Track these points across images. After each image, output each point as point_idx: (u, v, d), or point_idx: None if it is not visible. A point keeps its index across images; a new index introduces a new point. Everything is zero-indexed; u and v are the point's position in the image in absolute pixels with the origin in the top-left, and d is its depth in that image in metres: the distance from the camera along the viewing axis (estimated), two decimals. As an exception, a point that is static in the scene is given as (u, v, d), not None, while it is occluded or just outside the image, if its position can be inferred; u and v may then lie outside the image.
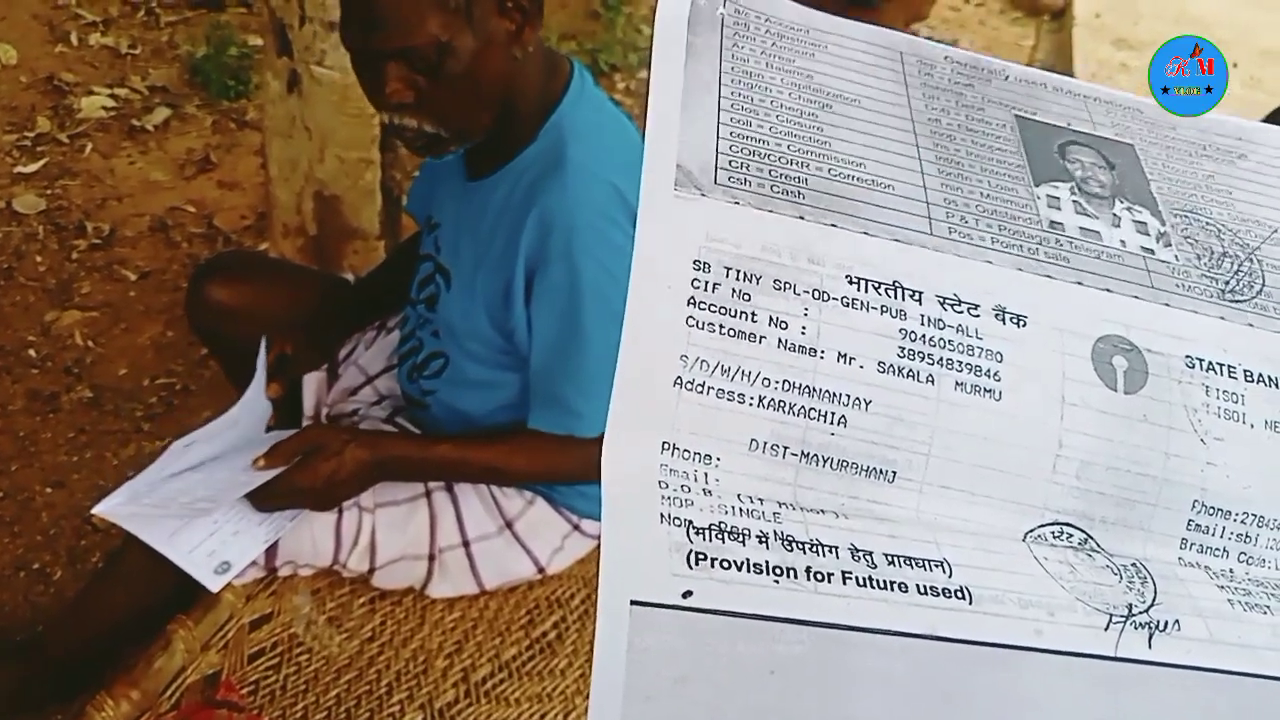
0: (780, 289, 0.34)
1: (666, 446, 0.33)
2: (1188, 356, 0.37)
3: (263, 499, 1.16)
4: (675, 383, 0.33)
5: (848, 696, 0.29)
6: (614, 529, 0.31)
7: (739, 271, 0.34)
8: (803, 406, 0.33)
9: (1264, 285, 0.40)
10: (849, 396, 0.34)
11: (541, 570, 1.32)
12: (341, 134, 1.95)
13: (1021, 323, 0.36)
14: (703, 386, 0.33)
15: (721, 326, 0.33)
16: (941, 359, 0.35)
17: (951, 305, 0.36)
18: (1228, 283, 0.40)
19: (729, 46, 0.41)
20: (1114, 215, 0.40)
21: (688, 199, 0.35)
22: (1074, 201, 0.40)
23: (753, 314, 0.34)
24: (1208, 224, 0.41)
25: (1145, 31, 3.96)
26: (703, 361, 0.33)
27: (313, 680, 1.16)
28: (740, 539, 0.31)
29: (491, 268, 1.18)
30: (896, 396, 0.34)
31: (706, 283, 0.34)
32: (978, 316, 0.36)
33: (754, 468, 0.33)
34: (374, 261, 2.08)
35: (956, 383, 0.35)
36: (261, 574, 1.23)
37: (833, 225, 0.36)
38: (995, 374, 0.35)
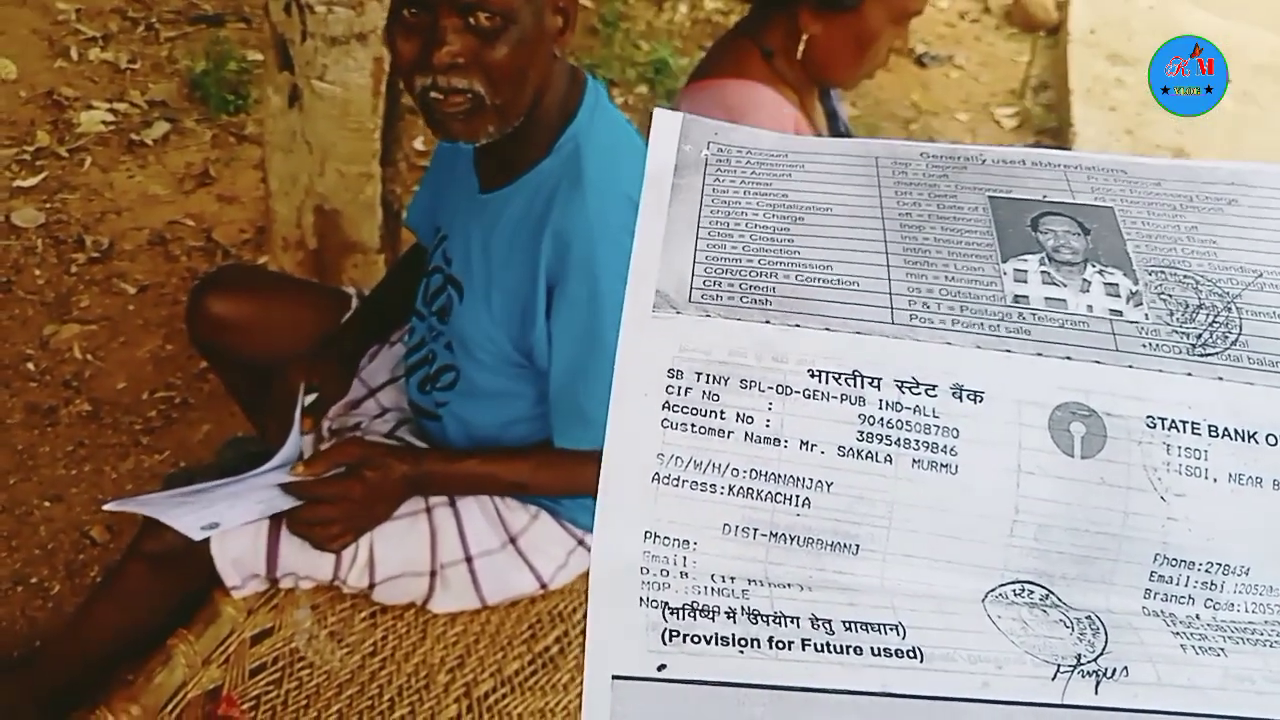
0: (746, 387, 0.37)
1: (648, 535, 0.36)
2: (1149, 417, 0.38)
3: (302, 512, 1.16)
4: (654, 479, 0.36)
5: None
6: (598, 612, 0.35)
7: (709, 375, 0.38)
8: (769, 492, 0.36)
9: (1240, 335, 0.40)
10: (811, 480, 0.36)
11: (544, 585, 1.31)
12: (342, 148, 1.95)
13: (978, 398, 0.38)
14: (678, 480, 0.36)
15: (693, 425, 0.37)
16: (899, 439, 0.37)
17: (909, 388, 0.38)
18: (1199, 336, 0.40)
19: (710, 183, 0.45)
20: (1084, 280, 0.41)
21: (664, 318, 0.39)
22: (1042, 272, 0.41)
23: (721, 412, 0.37)
24: (1185, 277, 0.42)
25: (1139, 47, 3.99)
26: (677, 458, 0.36)
27: (314, 695, 1.15)
28: (710, 616, 0.35)
29: (508, 282, 1.18)
30: (856, 477, 0.36)
31: (680, 388, 0.37)
32: (935, 396, 0.38)
33: (727, 549, 0.36)
34: (374, 275, 2.08)
35: (914, 460, 0.37)
36: (263, 587, 1.23)
37: (796, 325, 0.39)
38: (952, 449, 0.37)
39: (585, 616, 1.13)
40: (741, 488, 0.36)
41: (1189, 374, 0.39)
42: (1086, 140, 3.35)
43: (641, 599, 0.35)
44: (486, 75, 1.06)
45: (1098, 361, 0.39)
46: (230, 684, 1.14)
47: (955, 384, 0.38)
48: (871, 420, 0.37)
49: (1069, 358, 0.39)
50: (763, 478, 0.36)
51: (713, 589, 0.36)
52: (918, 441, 0.37)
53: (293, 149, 1.97)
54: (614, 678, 0.33)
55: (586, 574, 1.34)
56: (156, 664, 1.13)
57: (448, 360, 1.28)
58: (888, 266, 0.41)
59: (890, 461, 0.37)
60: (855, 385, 0.38)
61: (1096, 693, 0.34)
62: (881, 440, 0.37)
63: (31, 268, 2.45)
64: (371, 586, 1.25)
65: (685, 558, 0.36)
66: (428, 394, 1.32)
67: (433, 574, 1.25)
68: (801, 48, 1.33)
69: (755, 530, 0.36)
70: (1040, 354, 0.39)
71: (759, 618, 0.35)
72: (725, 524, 0.36)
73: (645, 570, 0.36)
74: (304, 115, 1.92)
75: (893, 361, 0.38)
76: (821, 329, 0.39)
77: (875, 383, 0.38)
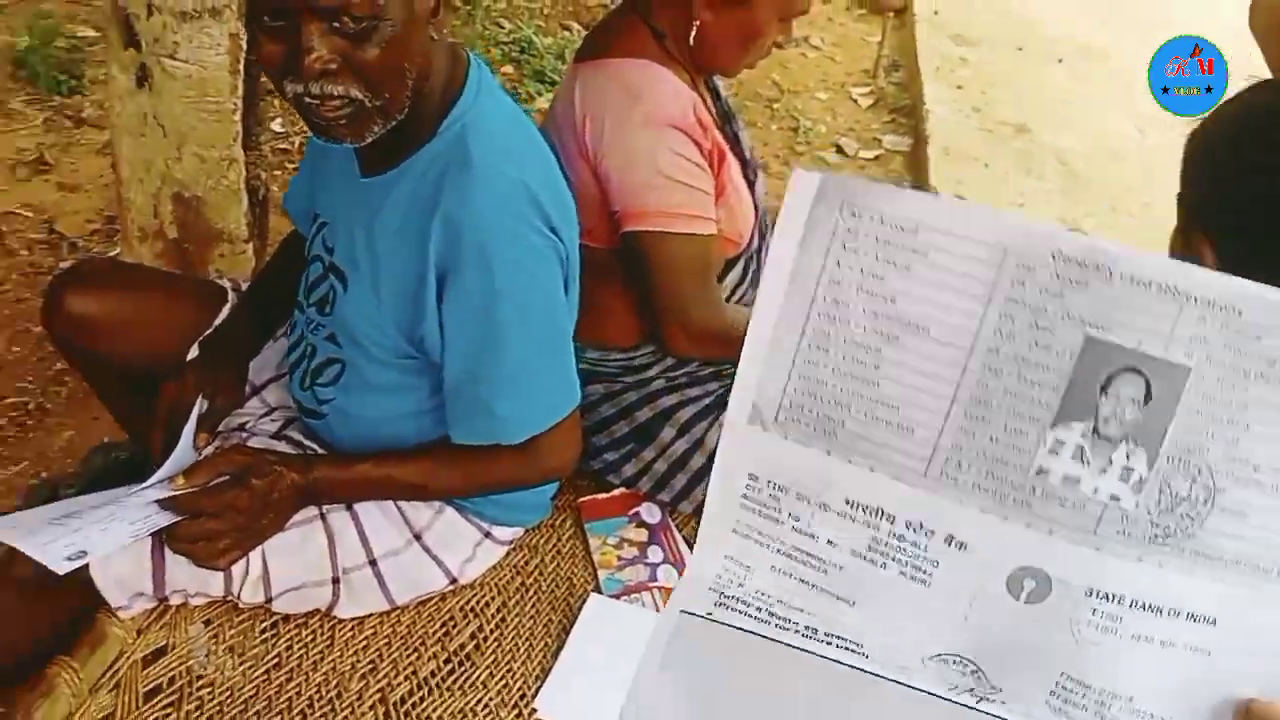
0: (799, 499, 0.54)
1: (727, 557, 0.56)
2: (1088, 588, 0.51)
3: (183, 528, 1.08)
4: (734, 529, 0.56)
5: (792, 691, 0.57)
6: (678, 594, 0.58)
7: (775, 484, 0.55)
8: (804, 558, 0.55)
9: (1200, 528, 0.49)
10: (831, 561, 0.55)
11: (454, 580, 1.28)
12: (201, 131, 1.83)
13: (963, 548, 0.52)
14: (749, 532, 0.56)
15: (760, 510, 0.55)
16: (894, 557, 0.53)
17: (914, 528, 0.53)
18: (1167, 528, 0.50)
19: (830, 268, 0.51)
20: (1109, 459, 0.50)
21: (753, 432, 0.54)
22: (1078, 445, 0.50)
23: (779, 508, 0.55)
24: (1195, 467, 0.49)
25: (980, 26, 4.18)
26: (749, 524, 0.55)
27: (217, 715, 1.09)
28: (746, 607, 0.56)
29: (396, 270, 1.13)
30: (861, 570, 0.54)
31: (756, 486, 0.55)
32: (930, 537, 0.52)
33: (769, 579, 0.56)
34: (243, 265, 1.97)
35: (900, 572, 0.53)
36: (152, 604, 1.14)
37: (849, 461, 0.53)
38: (929, 573, 0.53)
39: (498, 611, 1.18)
40: (786, 550, 0.55)
41: (1139, 559, 0.50)
42: (939, 119, 3.49)
43: (710, 588, 0.56)
44: (361, 78, 1.00)
45: (1072, 541, 0.50)
46: (123, 710, 1.06)
47: (949, 535, 0.52)
48: (879, 541, 0.53)
49: (1051, 532, 0.50)
50: (801, 551, 0.55)
51: (754, 596, 0.56)
52: (906, 562, 0.53)
53: (144, 133, 1.84)
54: (681, 611, 0.57)
55: (497, 567, 1.32)
56: (37, 695, 1.03)
57: (331, 353, 1.22)
58: (948, 416, 0.51)
59: (884, 569, 0.53)
60: (875, 517, 0.53)
61: (977, 703, 0.54)
62: (882, 555, 0.53)
63: None
64: (269, 600, 1.18)
65: (745, 577, 0.56)
66: (309, 390, 1.25)
67: (335, 580, 1.20)
68: (694, 33, 1.33)
69: (791, 574, 0.55)
70: (1029, 525, 0.51)
71: (775, 616, 0.56)
72: (772, 565, 0.55)
73: (719, 577, 0.56)
74: (155, 96, 1.79)
75: (908, 507, 0.52)
76: (866, 468, 0.52)
77: (890, 519, 0.53)
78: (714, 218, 1.34)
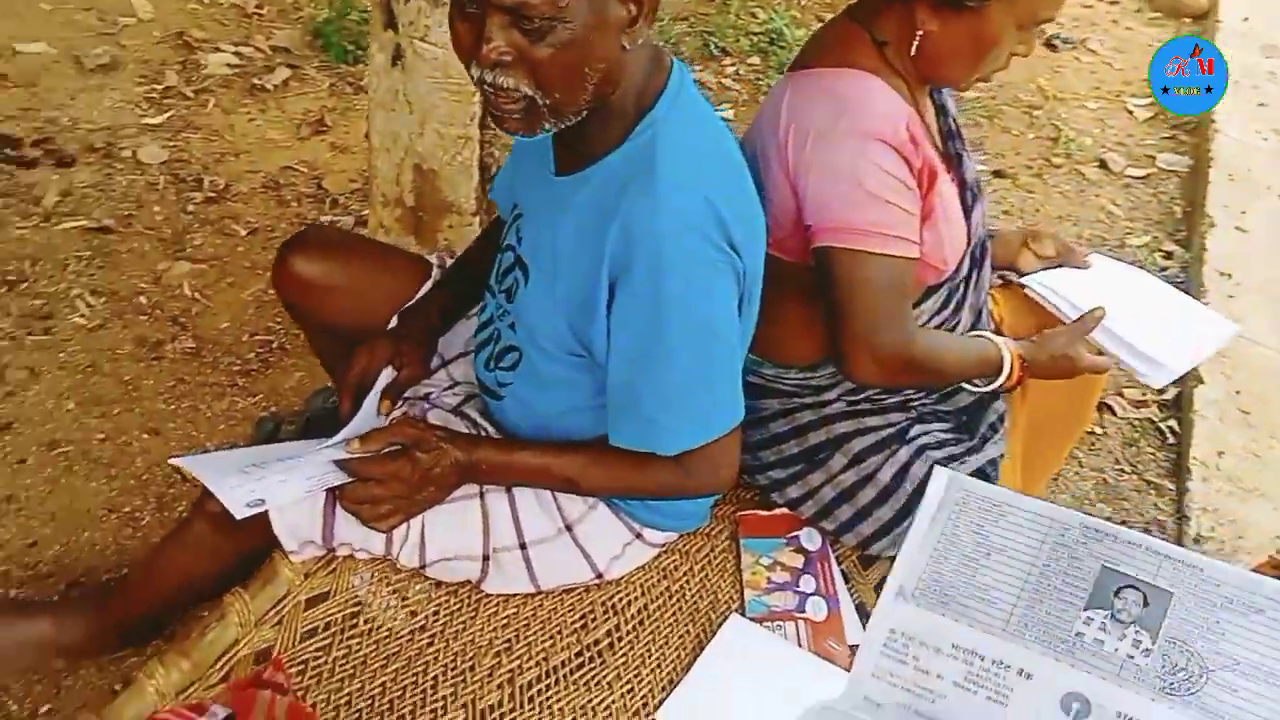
0: (920, 646, 0.90)
1: (866, 697, 0.91)
2: (1118, 711, 0.82)
3: (352, 489, 1.17)
4: (872, 674, 0.91)
5: None
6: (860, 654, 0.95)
7: (907, 636, 0.90)
8: (920, 690, 0.88)
9: (1200, 692, 0.80)
10: (939, 692, 0.88)
11: (599, 575, 1.30)
12: (442, 109, 1.95)
13: (1029, 678, 0.86)
14: (880, 675, 0.91)
15: (894, 654, 0.90)
16: (983, 683, 0.87)
17: (997, 664, 0.87)
18: (1173, 684, 0.81)
19: (951, 519, 0.94)
20: (1124, 632, 0.84)
21: (899, 604, 0.92)
22: (1102, 624, 0.85)
23: (907, 652, 0.90)
24: (1187, 651, 0.82)
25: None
26: (889, 656, 0.91)
27: (360, 666, 1.17)
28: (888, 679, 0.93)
29: (572, 272, 1.15)
30: (958, 694, 0.87)
31: (893, 639, 0.91)
32: (1007, 670, 0.86)
33: (897, 681, 0.90)
34: (469, 237, 2.08)
35: (987, 696, 0.87)
36: (321, 553, 1.24)
37: (955, 620, 0.89)
38: (1006, 697, 0.86)
39: (639, 612, 1.28)
40: (907, 687, 0.89)
41: (1152, 700, 0.81)
42: (1228, 140, 3.11)
43: (867, 696, 0.91)
44: (533, 75, 1.02)
45: (1103, 678, 0.84)
46: (281, 646, 1.16)
47: (1021, 668, 0.86)
48: (973, 673, 0.87)
49: (1088, 671, 0.84)
50: (919, 686, 0.88)
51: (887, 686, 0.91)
52: (991, 687, 0.87)
53: (394, 107, 1.98)
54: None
55: (644, 568, 1.32)
56: (211, 620, 1.15)
57: (512, 341, 1.26)
58: (1020, 596, 0.89)
59: (975, 694, 0.87)
60: (971, 655, 0.88)
61: None
62: (975, 683, 0.87)
63: (152, 204, 2.54)
64: (423, 566, 1.25)
65: (876, 713, 0.89)
66: (491, 372, 1.31)
67: (485, 558, 1.25)
68: (916, 43, 1.25)
69: (909, 707, 0.89)
70: (1073, 665, 0.85)
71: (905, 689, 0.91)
72: (897, 701, 0.89)
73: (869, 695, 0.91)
74: (406, 74, 1.92)
75: (994, 650, 0.87)
76: (967, 624, 0.89)
77: (982, 658, 0.87)
78: (915, 240, 1.26)
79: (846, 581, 1.36)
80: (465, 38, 1.03)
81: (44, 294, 2.23)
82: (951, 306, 1.37)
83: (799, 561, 1.37)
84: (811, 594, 1.32)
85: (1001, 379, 1.37)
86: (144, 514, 1.82)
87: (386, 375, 1.31)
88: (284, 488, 1.13)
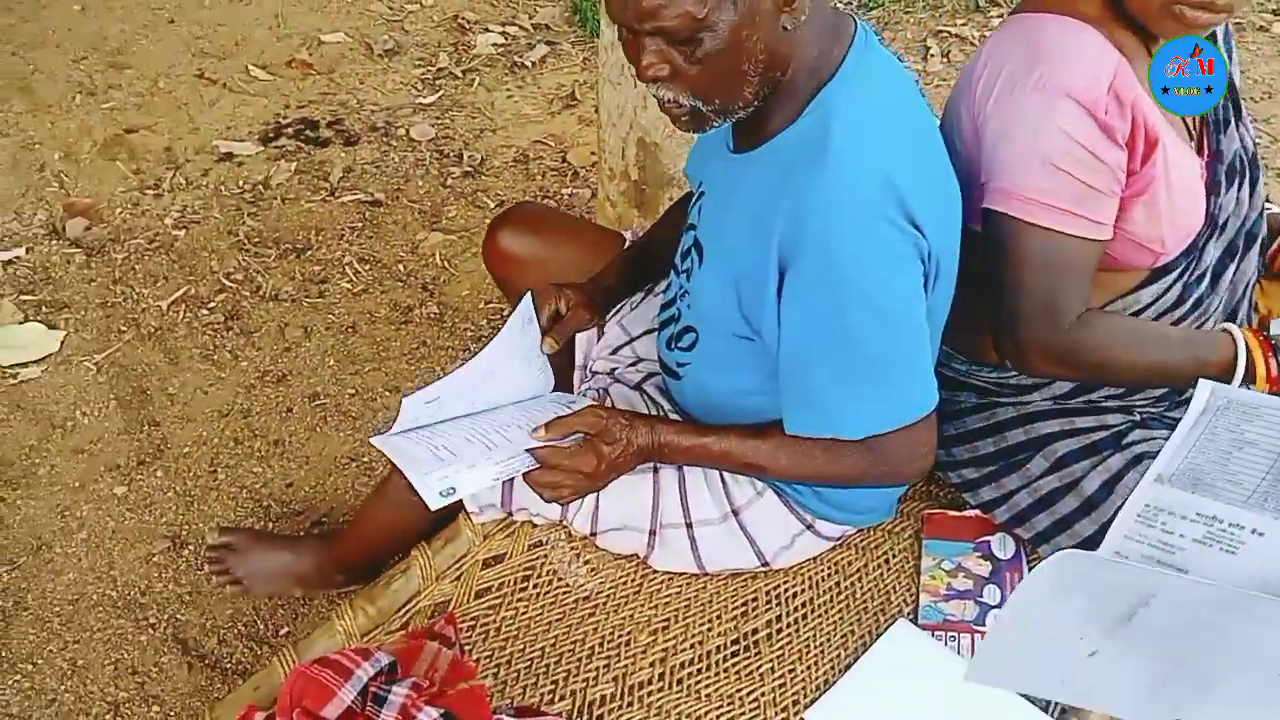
0: (1169, 515, 1.01)
1: (1127, 539, 1.04)
2: None
3: (536, 474, 1.19)
4: (1126, 535, 1.03)
5: None
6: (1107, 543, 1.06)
7: (1155, 507, 1.01)
8: (1159, 544, 1.03)
9: None
10: (1177, 546, 1.03)
11: (765, 563, 1.27)
12: (664, 84, 1.96)
13: (1261, 535, 0.99)
14: (1129, 535, 1.03)
15: (1143, 522, 1.02)
16: (1219, 540, 1.00)
17: (1234, 525, 1.00)
18: None
19: (1211, 422, 0.97)
20: None
21: (1158, 487, 1.01)
22: None
23: (1154, 520, 1.02)
24: None
25: None
26: (1133, 528, 1.03)
27: (525, 629, 1.22)
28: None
29: (741, 253, 1.12)
30: (1195, 548, 1.01)
31: (1146, 511, 1.02)
32: (1242, 529, 0.99)
33: (1144, 551, 1.04)
34: (689, 210, 2.09)
35: (1221, 549, 1.00)
36: (499, 516, 1.31)
37: (1203, 496, 0.98)
38: (1237, 550, 1.00)
39: (803, 605, 1.23)
40: (1151, 543, 1.02)
41: None
42: None
43: (1117, 550, 1.04)
44: (690, 87, 1.03)
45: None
46: (456, 602, 1.24)
47: (1254, 528, 0.98)
48: (1212, 533, 1.00)
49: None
50: (1160, 543, 1.02)
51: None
52: (1225, 542, 1.00)
53: (620, 82, 2.01)
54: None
55: (815, 560, 1.28)
56: (397, 570, 1.25)
57: (690, 321, 1.25)
58: (1264, 478, 0.96)
59: (1210, 547, 1.00)
60: (1212, 520, 1.00)
61: None
62: (1211, 539, 1.00)
63: (417, 179, 2.76)
64: (594, 534, 1.28)
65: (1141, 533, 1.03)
66: (671, 352, 1.30)
67: (652, 532, 1.26)
68: None
69: (1147, 557, 1.03)
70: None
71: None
72: (1141, 555, 1.03)
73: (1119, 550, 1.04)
74: (631, 50, 1.94)
75: (1233, 515, 0.99)
76: (1212, 497, 0.99)
77: (1221, 522, 1.00)
78: (1098, 219, 1.11)
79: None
80: (629, 55, 1.05)
81: (322, 260, 2.50)
82: (1176, 297, 1.19)
83: (986, 569, 1.26)
84: (996, 606, 1.22)
85: (1238, 377, 1.17)
86: (379, 464, 2.00)
87: (544, 316, 1.33)
88: (474, 474, 1.16)
